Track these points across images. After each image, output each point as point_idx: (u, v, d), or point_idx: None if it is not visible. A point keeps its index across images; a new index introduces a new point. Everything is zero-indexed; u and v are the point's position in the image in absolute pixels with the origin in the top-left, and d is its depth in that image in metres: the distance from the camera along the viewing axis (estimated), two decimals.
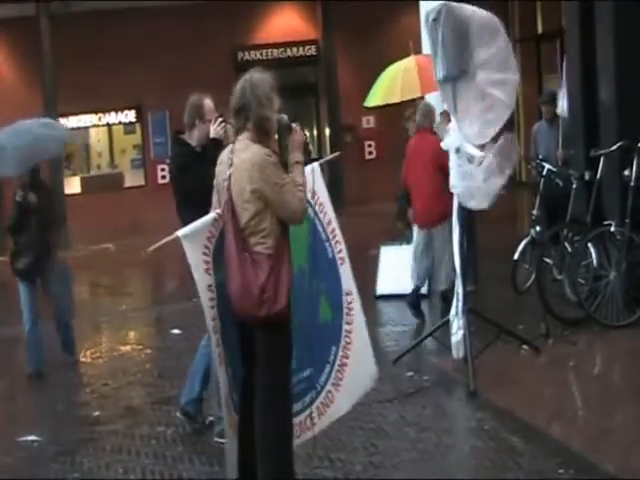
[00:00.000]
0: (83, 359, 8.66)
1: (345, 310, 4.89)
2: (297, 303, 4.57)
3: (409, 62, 9.28)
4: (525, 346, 6.98)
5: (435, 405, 6.12)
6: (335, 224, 4.90)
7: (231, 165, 4.33)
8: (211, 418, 5.81)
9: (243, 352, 4.43)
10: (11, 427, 6.75)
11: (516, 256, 8.78)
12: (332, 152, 20.92)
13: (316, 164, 4.88)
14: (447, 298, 8.70)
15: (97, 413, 6.70)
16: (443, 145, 6.53)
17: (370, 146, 21.00)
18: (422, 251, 8.50)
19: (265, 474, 4.35)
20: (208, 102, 5.70)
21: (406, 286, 9.74)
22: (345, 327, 4.88)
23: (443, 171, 7.14)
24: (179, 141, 5.89)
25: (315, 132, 21.92)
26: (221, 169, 4.43)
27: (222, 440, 5.46)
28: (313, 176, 4.72)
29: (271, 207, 4.26)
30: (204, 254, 4.39)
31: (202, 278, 4.37)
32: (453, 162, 6.35)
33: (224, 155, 4.44)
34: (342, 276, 4.90)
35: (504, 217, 12.28)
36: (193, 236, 4.40)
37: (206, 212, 4.54)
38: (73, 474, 5.43)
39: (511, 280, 8.82)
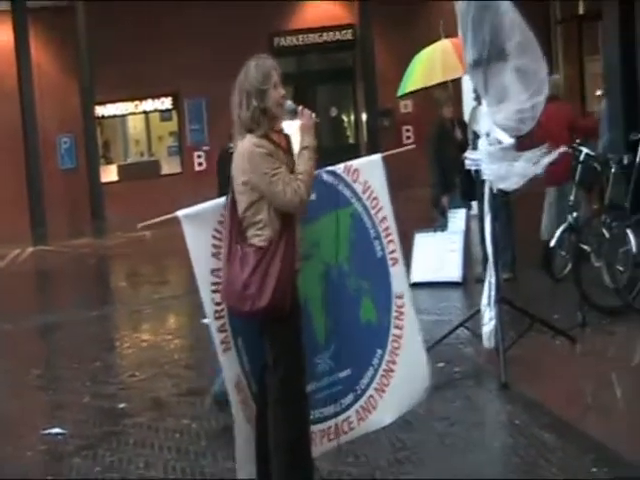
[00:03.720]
0: (113, 350, 8.64)
1: (394, 314, 4.62)
2: (334, 301, 4.42)
3: (444, 44, 9.02)
4: (560, 336, 6.77)
5: (465, 397, 5.94)
6: (391, 222, 4.60)
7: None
8: None
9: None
10: (38, 419, 6.70)
11: (553, 243, 8.54)
12: (369, 137, 20.74)
13: (378, 156, 4.65)
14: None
15: (123, 405, 6.63)
16: (474, 129, 6.34)
17: (408, 131, 20.78)
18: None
19: (277, 475, 4.22)
20: None
21: (440, 274, 9.60)
22: (393, 331, 4.62)
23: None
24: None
25: (352, 117, 21.75)
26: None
27: None
28: (369, 168, 4.54)
29: (266, 198, 4.14)
30: (214, 237, 4.25)
31: (207, 261, 4.23)
32: (482, 146, 6.16)
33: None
34: (393, 277, 4.62)
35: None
36: (197, 218, 4.26)
37: None
38: (95, 469, 5.36)
39: (547, 267, 8.59)
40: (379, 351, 4.61)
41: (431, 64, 8.95)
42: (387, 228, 4.59)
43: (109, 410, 6.57)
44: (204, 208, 4.34)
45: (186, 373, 7.38)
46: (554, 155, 5.96)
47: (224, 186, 4.55)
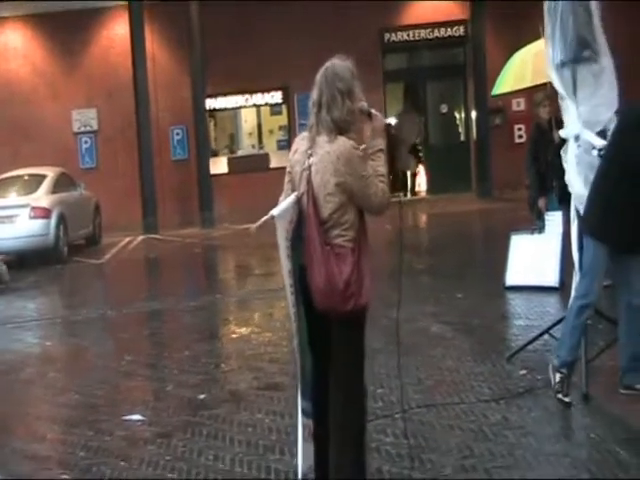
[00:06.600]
0: (204, 340, 8.78)
1: None
2: None
3: (539, 45, 8.80)
4: None
5: (543, 407, 5.77)
6: None
7: (311, 155, 4.19)
8: None
9: (314, 344, 4.32)
10: (121, 405, 6.87)
11: None
12: (479, 136, 20.40)
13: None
14: None
15: (203, 396, 6.73)
16: (561, 133, 6.13)
17: (520, 129, 20.39)
18: None
19: (340, 471, 4.23)
20: None
21: (536, 278, 9.36)
22: None
23: None
24: None
25: (463, 114, 21.46)
26: (298, 158, 4.28)
27: None
28: None
29: (355, 199, 4.15)
30: (285, 238, 4.20)
31: (285, 263, 4.22)
32: (571, 153, 5.95)
33: (301, 144, 4.29)
34: None
35: None
36: (282, 217, 4.18)
37: None
38: (165, 457, 5.46)
39: None
40: None
41: (523, 66, 8.75)
42: None
43: (189, 400, 6.68)
44: (285, 208, 4.22)
45: (269, 367, 7.43)
46: None
47: None
